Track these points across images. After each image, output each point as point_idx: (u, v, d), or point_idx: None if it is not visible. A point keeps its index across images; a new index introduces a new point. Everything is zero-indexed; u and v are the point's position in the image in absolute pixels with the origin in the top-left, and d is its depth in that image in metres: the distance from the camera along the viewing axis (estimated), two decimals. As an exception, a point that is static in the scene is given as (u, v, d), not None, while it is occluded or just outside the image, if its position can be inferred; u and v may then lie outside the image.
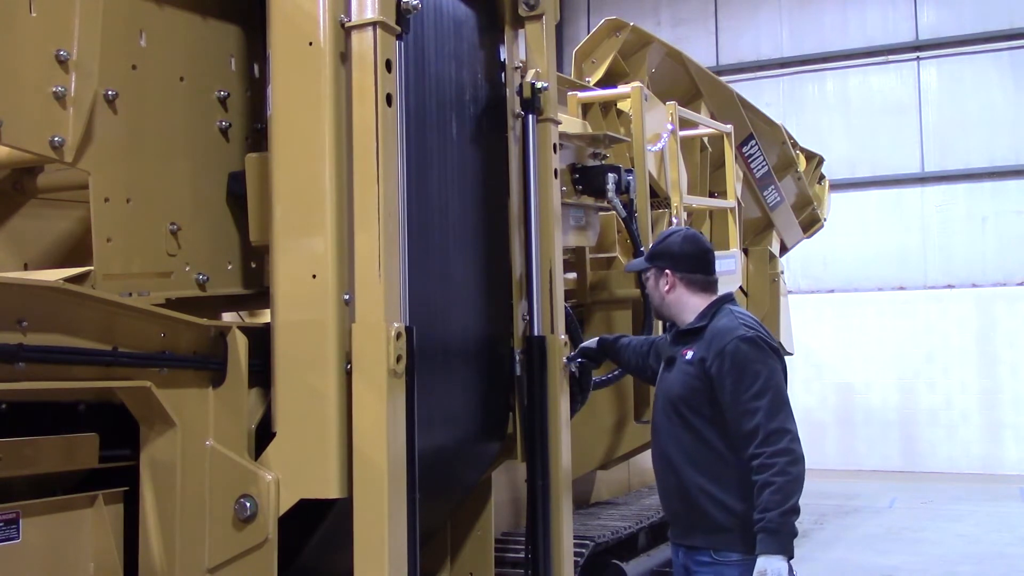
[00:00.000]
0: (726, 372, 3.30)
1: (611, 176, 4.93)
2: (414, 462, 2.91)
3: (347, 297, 2.87)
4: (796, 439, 3.25)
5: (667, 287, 3.53)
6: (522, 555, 4.36)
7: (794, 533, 3.19)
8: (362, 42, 2.89)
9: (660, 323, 5.37)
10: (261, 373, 2.97)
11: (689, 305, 3.52)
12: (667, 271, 3.52)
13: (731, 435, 3.32)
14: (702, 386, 3.37)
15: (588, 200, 5.08)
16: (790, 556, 3.17)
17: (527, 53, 3.98)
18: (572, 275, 5.75)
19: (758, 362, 3.30)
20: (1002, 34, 15.01)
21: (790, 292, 10.20)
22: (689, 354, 3.44)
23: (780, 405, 3.27)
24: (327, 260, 2.85)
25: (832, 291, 15.67)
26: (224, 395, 2.93)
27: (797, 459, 3.22)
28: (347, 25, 2.91)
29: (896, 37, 15.70)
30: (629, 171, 5.18)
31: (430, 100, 3.41)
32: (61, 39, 2.77)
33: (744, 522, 3.25)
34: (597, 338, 4.19)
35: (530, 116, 3.89)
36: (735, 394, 3.28)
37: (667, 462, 3.49)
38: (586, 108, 5.92)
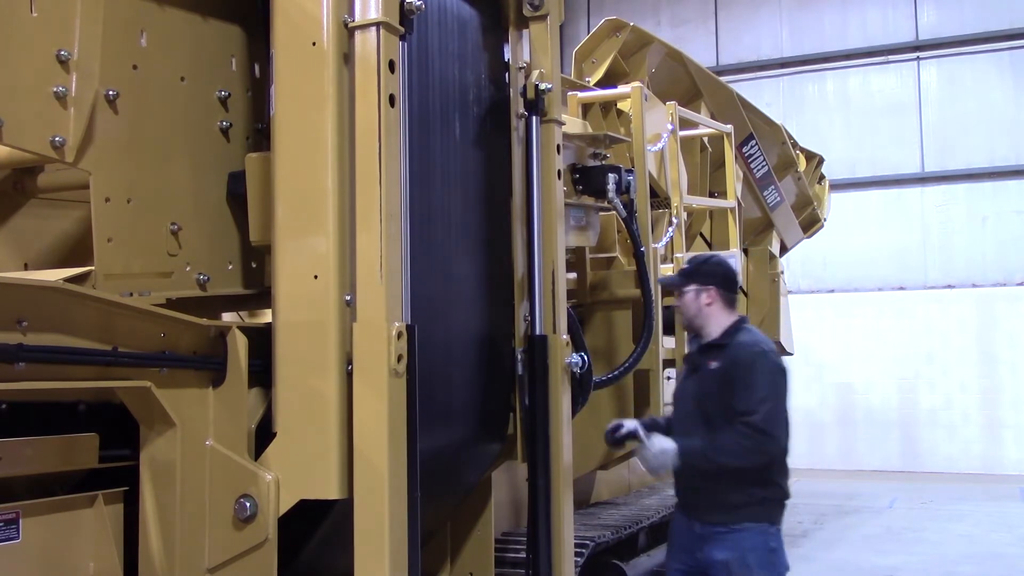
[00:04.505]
0: (740, 375, 3.91)
1: (611, 176, 4.92)
2: (415, 462, 2.90)
3: (348, 298, 2.86)
4: (771, 452, 3.85)
5: (708, 301, 4.10)
6: (522, 555, 4.37)
7: (675, 463, 3.93)
8: (365, 42, 2.88)
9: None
10: (261, 373, 2.97)
11: (718, 319, 4.10)
12: (712, 287, 4.10)
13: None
14: (723, 390, 3.95)
15: (589, 200, 5.08)
16: (672, 463, 3.93)
17: (531, 54, 3.97)
18: (572, 275, 5.75)
19: (769, 374, 3.91)
20: (1002, 34, 15.02)
21: (790, 292, 10.20)
22: (713, 364, 4.03)
23: (777, 414, 3.86)
24: (329, 261, 2.84)
25: (832, 291, 15.68)
26: (224, 395, 2.92)
27: (763, 455, 3.83)
28: (350, 25, 2.90)
29: (896, 37, 15.70)
30: (629, 171, 5.17)
31: (433, 101, 3.41)
32: (62, 39, 2.76)
33: (756, 498, 3.91)
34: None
35: (533, 117, 3.88)
36: (745, 393, 3.87)
37: None
38: (586, 108, 5.92)
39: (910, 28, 15.63)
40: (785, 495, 4.02)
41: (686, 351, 4.40)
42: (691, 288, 4.15)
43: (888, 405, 14.99)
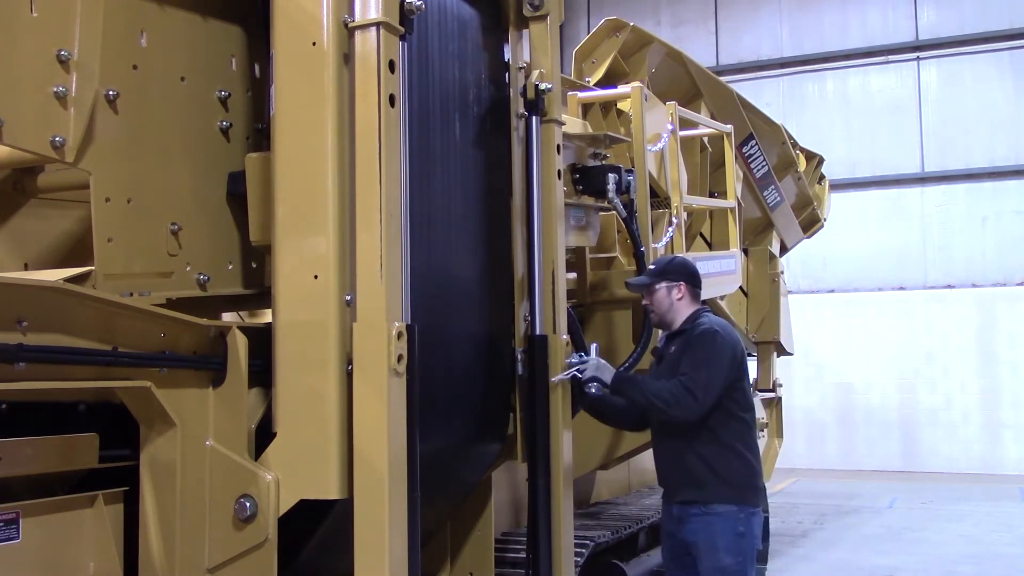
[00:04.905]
0: (687, 348, 4.21)
1: (611, 176, 4.92)
2: (415, 462, 2.90)
3: (348, 298, 2.86)
4: (688, 410, 4.02)
5: (679, 296, 4.37)
6: (522, 555, 4.36)
7: (616, 384, 4.13)
8: (365, 42, 2.89)
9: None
10: (261, 373, 2.97)
11: (685, 311, 4.38)
12: (681, 283, 4.38)
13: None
14: (681, 366, 4.17)
15: (589, 200, 5.08)
16: (606, 385, 4.09)
17: (531, 54, 3.98)
18: (572, 275, 5.74)
19: (713, 349, 4.15)
20: (1002, 34, 15.03)
21: (790, 292, 10.20)
22: (673, 349, 4.33)
23: (708, 383, 4.06)
24: (329, 261, 2.84)
25: (832, 291, 15.69)
26: (224, 395, 2.92)
27: (680, 410, 4.03)
28: (350, 25, 2.90)
29: (896, 37, 15.72)
30: (629, 171, 5.16)
31: (433, 100, 3.41)
32: (62, 39, 2.76)
33: (723, 477, 4.10)
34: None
35: (533, 117, 3.88)
36: (690, 360, 4.13)
37: (664, 432, 4.32)
38: (586, 108, 5.91)
39: (910, 28, 15.64)
40: (755, 473, 4.23)
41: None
42: (663, 285, 4.39)
43: (888, 405, 15.00)
